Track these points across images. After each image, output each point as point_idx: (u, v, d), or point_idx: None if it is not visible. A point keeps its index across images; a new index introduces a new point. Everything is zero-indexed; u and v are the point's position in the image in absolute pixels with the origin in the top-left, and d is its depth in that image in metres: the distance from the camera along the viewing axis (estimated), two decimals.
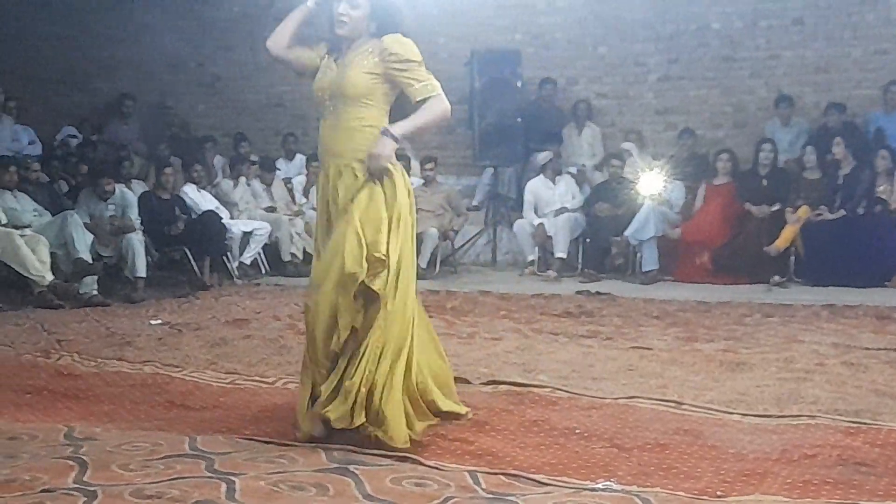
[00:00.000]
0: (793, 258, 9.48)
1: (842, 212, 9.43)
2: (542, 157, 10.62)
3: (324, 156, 4.19)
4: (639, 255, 9.95)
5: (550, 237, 10.25)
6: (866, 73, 10.67)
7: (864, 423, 4.17)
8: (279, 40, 4.20)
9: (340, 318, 3.85)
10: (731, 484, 3.43)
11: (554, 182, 10.55)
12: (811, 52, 10.96)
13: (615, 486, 3.37)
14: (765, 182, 9.94)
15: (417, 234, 10.21)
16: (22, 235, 8.38)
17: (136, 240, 8.97)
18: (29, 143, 10.31)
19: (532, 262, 10.44)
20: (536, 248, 10.46)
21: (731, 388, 4.95)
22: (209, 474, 3.46)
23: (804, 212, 9.45)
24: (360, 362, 3.82)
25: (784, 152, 10.22)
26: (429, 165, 10.77)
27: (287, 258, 10.48)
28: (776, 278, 9.26)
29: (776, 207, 9.66)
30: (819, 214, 9.46)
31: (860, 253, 9.22)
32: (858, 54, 10.77)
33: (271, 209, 10.69)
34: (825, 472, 3.54)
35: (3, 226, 8.45)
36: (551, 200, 10.44)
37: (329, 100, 4.10)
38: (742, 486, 3.40)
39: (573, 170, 10.82)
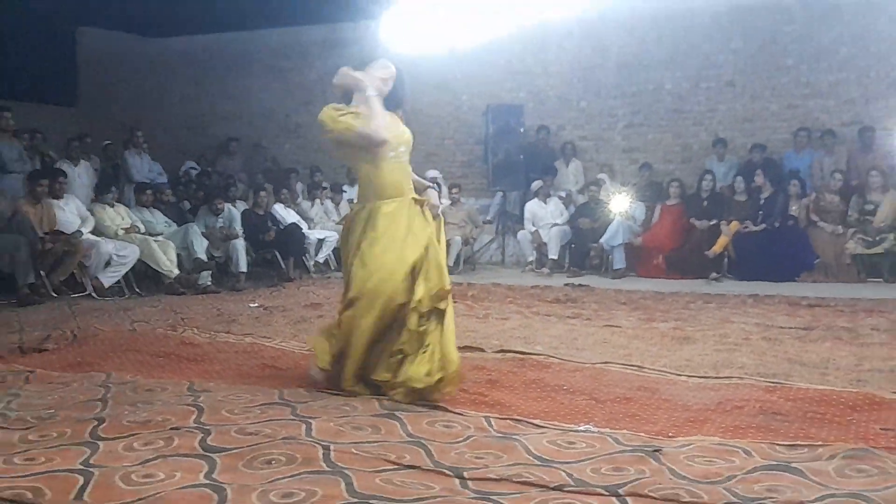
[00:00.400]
0: (726, 259, 9.46)
1: (763, 225, 9.39)
2: (535, 185, 10.64)
3: (388, 189, 3.99)
4: (610, 257, 9.92)
5: (545, 243, 10.25)
6: (781, 122, 10.63)
7: (780, 383, 4.14)
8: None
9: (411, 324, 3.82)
10: (679, 427, 3.41)
11: (546, 203, 10.52)
12: (740, 105, 10.91)
13: (593, 429, 3.36)
14: (705, 203, 9.91)
15: (447, 241, 10.31)
16: (156, 241, 8.47)
17: (240, 244, 9.06)
18: (158, 175, 10.41)
19: (531, 262, 10.45)
20: (534, 251, 10.44)
21: (679, 356, 4.93)
22: (292, 417, 3.48)
23: (734, 225, 9.41)
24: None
25: (720, 181, 10.17)
26: (455, 190, 10.82)
27: None
28: (714, 275, 9.23)
29: (713, 222, 9.62)
30: (746, 227, 9.42)
31: (776, 256, 9.18)
32: (775, 108, 10.71)
33: (337, 222, 10.77)
34: (750, 419, 3.52)
35: (142, 234, 8.54)
36: (544, 216, 10.42)
37: (402, 147, 4.02)
38: (688, 429, 3.38)
39: (562, 193, 10.79)
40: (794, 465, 2.86)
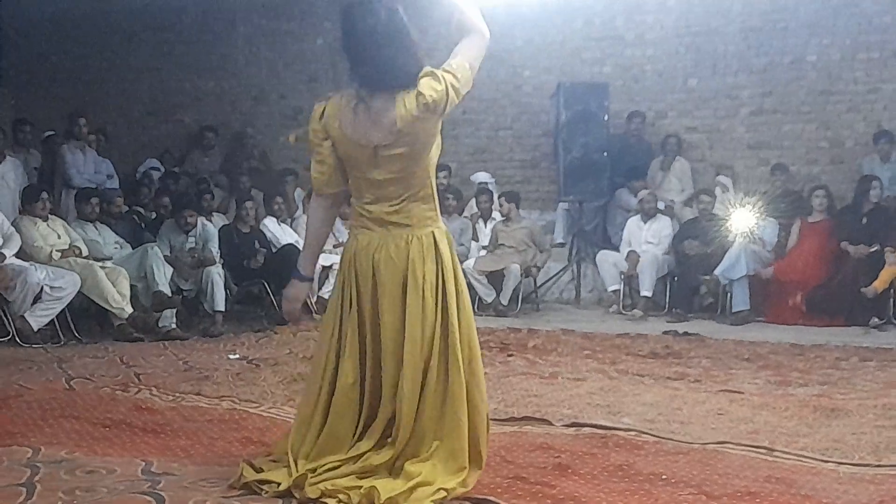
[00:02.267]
0: (892, 300, 9.32)
1: None
2: (640, 194, 10.59)
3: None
4: (729, 294, 9.86)
5: (637, 274, 10.21)
6: None
7: None
8: None
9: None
10: None
11: (645, 222, 10.49)
12: None
13: None
14: (864, 220, 9.80)
15: (499, 271, 10.32)
16: (103, 267, 8.53)
17: (216, 273, 9.09)
18: (107, 177, 10.44)
19: (616, 294, 10.41)
20: (622, 282, 10.41)
21: (825, 434, 4.87)
22: None
23: None
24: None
25: (884, 190, 10.05)
26: (513, 201, 10.75)
27: None
28: (874, 321, 9.13)
29: (875, 248, 9.50)
30: None
31: None
32: None
33: None
34: None
35: (84, 257, 8.62)
36: (642, 239, 10.40)
37: None
38: None
39: (662, 206, 10.75)
40: None
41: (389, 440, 3.80)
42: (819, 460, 4.35)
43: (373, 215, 3.85)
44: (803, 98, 11.20)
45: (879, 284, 9.23)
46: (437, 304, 3.79)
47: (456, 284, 3.85)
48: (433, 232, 3.86)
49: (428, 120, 3.72)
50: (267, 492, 3.70)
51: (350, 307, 3.91)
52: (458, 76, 3.73)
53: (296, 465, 3.77)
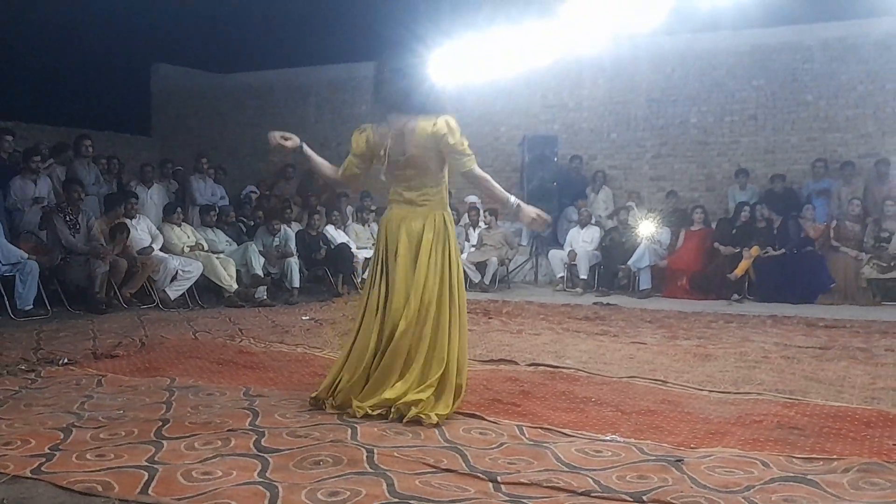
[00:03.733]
0: (747, 282, 9.31)
1: (782, 250, 9.25)
2: (579, 213, 10.57)
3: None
4: (637, 277, 9.83)
5: (575, 264, 10.19)
6: (801, 153, 10.51)
7: (797, 400, 4.07)
8: None
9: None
10: (700, 439, 3.36)
11: (582, 229, 10.47)
12: (761, 138, 10.80)
13: (619, 439, 3.33)
14: (734, 231, 9.78)
15: (483, 261, 10.24)
16: (217, 258, 8.56)
17: (294, 262, 9.11)
18: (221, 198, 10.48)
19: (561, 279, 10.40)
20: (565, 271, 10.40)
21: (701, 372, 4.87)
22: (339, 422, 3.49)
23: (755, 250, 9.28)
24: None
25: (741, 209, 10.04)
26: (493, 214, 10.79)
27: None
28: (735, 296, 9.12)
29: (736, 248, 9.49)
30: (766, 252, 9.28)
31: (795, 279, 9.05)
32: (795, 141, 10.60)
33: None
34: (768, 433, 3.46)
35: (205, 251, 8.65)
36: (578, 241, 10.38)
37: None
38: (709, 441, 3.33)
39: (592, 219, 10.74)
40: (809, 477, 2.81)
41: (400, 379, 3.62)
42: (696, 389, 4.35)
43: (403, 197, 3.90)
44: (688, 146, 11.19)
45: (739, 271, 9.23)
46: (440, 260, 3.75)
47: (451, 252, 3.82)
48: (443, 214, 3.90)
49: (437, 143, 3.76)
50: (326, 408, 3.71)
51: (381, 263, 3.84)
52: (467, 150, 3.86)
53: (334, 392, 3.72)
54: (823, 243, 9.28)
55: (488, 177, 3.95)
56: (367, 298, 3.82)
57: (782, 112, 10.65)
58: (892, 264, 8.73)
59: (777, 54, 10.61)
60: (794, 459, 3.03)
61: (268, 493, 2.58)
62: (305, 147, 4.24)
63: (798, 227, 9.37)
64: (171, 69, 14.83)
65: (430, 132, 3.74)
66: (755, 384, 4.48)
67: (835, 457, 3.04)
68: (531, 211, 4.09)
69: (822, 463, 2.97)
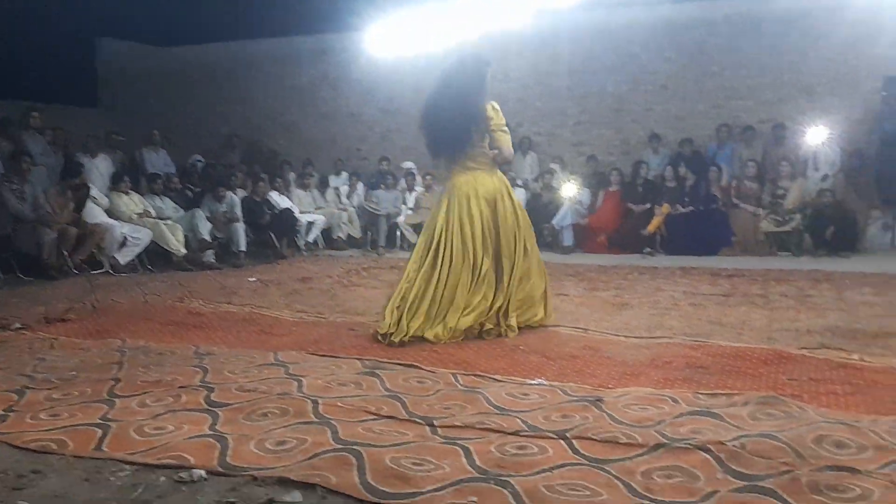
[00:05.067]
0: (659, 237, 9.49)
1: (690, 208, 9.45)
2: (508, 175, 10.57)
3: None
4: (561, 235, 9.94)
5: None
6: (707, 119, 10.66)
7: (703, 342, 4.19)
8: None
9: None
10: (617, 380, 3.44)
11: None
12: (672, 106, 10.94)
13: (545, 382, 3.38)
14: (640, 189, 9.94)
15: (420, 223, 10.26)
16: (165, 224, 8.35)
17: (240, 226, 8.95)
18: (166, 166, 10.18)
19: None
20: None
21: (618, 319, 4.97)
22: (286, 376, 3.46)
23: (666, 208, 9.46)
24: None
25: (654, 171, 10.21)
26: (428, 178, 10.75)
27: (336, 237, 10.49)
28: (648, 250, 9.29)
29: (648, 206, 9.66)
30: (676, 209, 9.47)
31: (701, 234, 9.26)
32: (702, 108, 10.75)
33: (323, 207, 10.69)
34: (678, 373, 3.56)
35: (154, 218, 8.42)
36: None
37: None
38: (625, 382, 3.41)
39: (520, 182, 10.77)
40: (714, 410, 2.90)
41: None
42: (614, 335, 4.44)
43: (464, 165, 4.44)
44: (605, 114, 11.27)
45: (651, 228, 9.41)
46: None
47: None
48: (498, 174, 4.51)
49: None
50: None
51: (446, 218, 4.34)
52: (505, 129, 4.51)
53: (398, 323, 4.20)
54: (726, 201, 9.51)
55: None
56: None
57: (690, 82, 10.80)
58: (786, 219, 9.01)
59: (686, 28, 10.72)
60: (700, 395, 3.12)
61: (218, 445, 2.55)
62: None
63: (706, 186, 9.57)
64: (115, 43, 14.23)
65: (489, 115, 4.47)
66: (666, 329, 4.59)
67: (736, 392, 3.15)
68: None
69: (724, 398, 3.07)
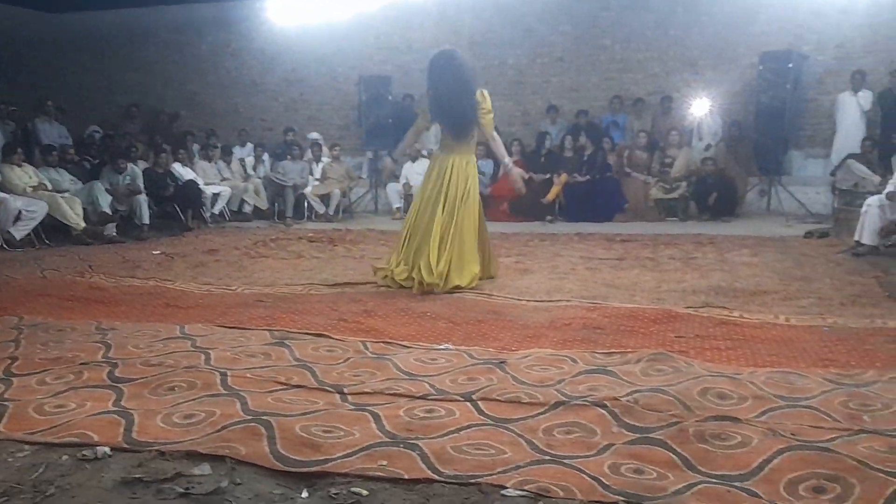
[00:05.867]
0: (557, 205, 9.66)
1: (587, 177, 9.65)
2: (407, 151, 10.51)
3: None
4: None
5: (411, 194, 10.19)
6: (600, 91, 10.87)
7: (599, 304, 4.32)
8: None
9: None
10: (520, 343, 3.50)
11: (414, 162, 10.43)
12: (567, 78, 11.09)
13: (451, 347, 3.41)
14: (542, 160, 10.07)
15: (327, 194, 10.11)
16: (62, 197, 7.86)
17: (142, 199, 8.53)
18: (61, 137, 9.58)
19: (398, 208, 10.39)
20: (402, 201, 10.40)
21: (520, 284, 5.05)
22: (192, 349, 3.35)
23: (564, 177, 9.63)
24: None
25: (552, 141, 10.36)
26: (335, 149, 10.58)
27: (246, 209, 10.20)
28: (548, 217, 9.44)
29: (548, 175, 9.80)
30: (574, 178, 9.65)
31: (597, 202, 9.47)
32: (596, 80, 10.95)
33: (229, 179, 10.35)
34: (576, 333, 3.65)
35: (49, 191, 7.93)
36: (412, 173, 10.35)
37: None
38: (527, 344, 3.48)
39: (425, 152, 10.73)
40: (609, 368, 3.00)
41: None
42: (516, 299, 4.51)
43: (450, 146, 5.06)
44: (505, 86, 11.31)
45: (550, 196, 9.56)
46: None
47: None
48: (474, 158, 5.12)
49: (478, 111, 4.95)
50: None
51: (434, 188, 4.95)
52: (491, 114, 5.09)
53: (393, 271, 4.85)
54: (618, 169, 9.77)
55: (498, 137, 5.25)
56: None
57: (585, 55, 10.97)
58: (673, 186, 9.35)
59: (579, 3, 10.85)
60: (596, 355, 3.21)
61: (123, 421, 2.44)
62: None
63: (602, 156, 9.78)
64: (2, 8, 13.20)
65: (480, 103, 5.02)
66: (565, 293, 4.70)
67: (629, 350, 3.26)
68: (517, 173, 5.43)
69: (619, 356, 3.18)
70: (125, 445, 2.27)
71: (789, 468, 2.06)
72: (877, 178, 7.80)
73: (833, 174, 8.74)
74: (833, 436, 2.26)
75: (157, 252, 7.04)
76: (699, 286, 4.84)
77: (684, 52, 10.46)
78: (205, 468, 2.11)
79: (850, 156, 8.48)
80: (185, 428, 2.39)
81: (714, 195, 9.07)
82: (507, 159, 5.38)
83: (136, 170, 8.84)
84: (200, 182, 9.71)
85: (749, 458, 2.13)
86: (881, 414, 2.47)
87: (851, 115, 9.10)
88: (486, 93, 5.00)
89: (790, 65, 9.20)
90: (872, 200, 6.17)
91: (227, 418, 2.45)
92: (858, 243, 6.12)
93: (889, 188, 6.19)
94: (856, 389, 2.70)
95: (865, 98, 9.01)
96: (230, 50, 12.29)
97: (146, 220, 8.53)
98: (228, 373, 2.94)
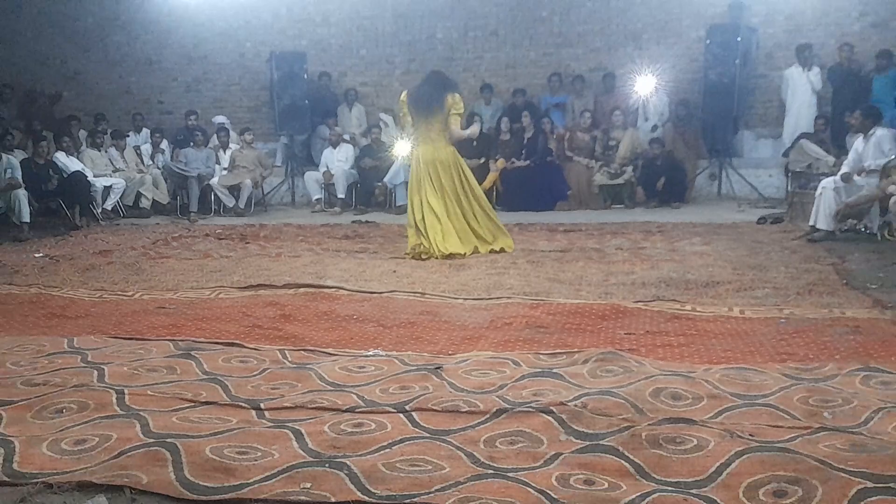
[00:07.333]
0: (495, 192, 9.71)
1: (526, 162, 9.74)
2: (332, 130, 10.40)
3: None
4: (394, 194, 9.95)
5: (333, 184, 10.11)
6: (539, 68, 10.99)
7: (542, 300, 4.36)
8: None
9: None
10: (457, 345, 3.51)
11: (335, 148, 10.34)
12: (503, 54, 11.17)
13: (381, 353, 3.39)
14: (475, 143, 10.10)
15: (237, 185, 9.93)
16: None
17: (21, 194, 8.15)
18: None
19: (318, 200, 10.29)
20: (323, 191, 10.29)
21: (456, 281, 5.06)
22: (83, 365, 3.24)
23: (501, 163, 9.71)
24: None
25: (487, 123, 10.41)
26: (246, 135, 10.39)
27: (143, 204, 9.91)
28: None
29: (483, 160, 9.85)
30: (512, 163, 9.73)
31: (538, 188, 9.58)
32: (533, 56, 11.06)
33: (122, 170, 10.05)
34: (518, 333, 3.68)
35: None
36: (333, 160, 10.26)
37: None
38: (465, 346, 3.49)
39: (347, 136, 10.65)
40: (555, 370, 3.03)
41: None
42: (452, 298, 4.52)
43: (427, 138, 6.29)
44: (435, 62, 11.22)
45: (487, 183, 9.56)
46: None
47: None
48: (451, 147, 6.37)
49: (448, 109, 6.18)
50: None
51: (424, 178, 6.28)
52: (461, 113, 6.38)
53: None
54: (560, 154, 9.90)
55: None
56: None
57: (521, 28, 11.07)
58: (619, 171, 9.53)
59: None
60: (541, 356, 3.25)
61: (2, 450, 2.34)
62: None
63: (543, 139, 9.88)
64: None
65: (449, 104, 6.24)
66: (505, 289, 4.74)
67: (576, 350, 3.31)
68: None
69: (565, 357, 3.22)
70: (4, 478, 2.18)
71: (748, 472, 2.12)
72: (831, 159, 8.13)
73: (785, 155, 9.06)
74: (793, 435, 2.34)
75: (40, 255, 6.75)
76: (649, 278, 4.95)
77: (627, 24, 10.66)
78: (100, 500, 2.05)
79: (803, 135, 8.81)
80: (75, 456, 2.30)
81: (662, 180, 9.29)
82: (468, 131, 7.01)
83: (13, 161, 8.45)
84: (89, 174, 9.38)
85: (706, 463, 2.18)
86: (842, 410, 2.56)
87: (802, 92, 9.44)
88: (457, 97, 6.22)
89: (738, 38, 9.48)
90: (827, 183, 6.42)
91: (125, 443, 2.38)
92: (814, 228, 6.37)
93: (844, 169, 6.46)
94: (815, 385, 2.80)
95: (816, 76, 9.35)
96: (119, 23, 11.89)
97: (26, 219, 8.17)
98: (126, 391, 2.85)
